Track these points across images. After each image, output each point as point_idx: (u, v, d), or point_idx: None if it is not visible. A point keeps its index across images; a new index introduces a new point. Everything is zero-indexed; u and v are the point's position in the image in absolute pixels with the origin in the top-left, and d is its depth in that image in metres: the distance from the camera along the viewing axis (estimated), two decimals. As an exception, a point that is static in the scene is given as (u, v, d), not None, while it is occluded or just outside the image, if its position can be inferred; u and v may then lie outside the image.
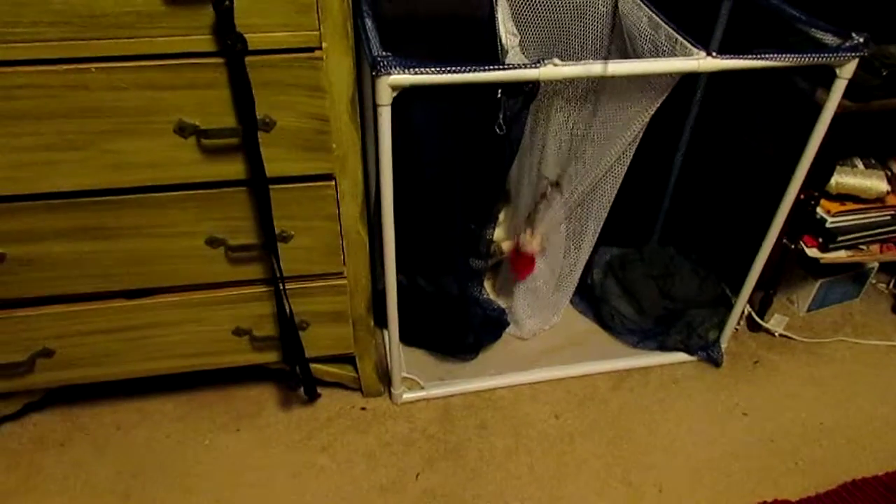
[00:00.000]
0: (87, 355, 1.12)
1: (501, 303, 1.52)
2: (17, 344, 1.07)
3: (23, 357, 1.08)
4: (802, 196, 1.33)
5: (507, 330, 1.45)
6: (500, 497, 1.18)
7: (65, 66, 0.83)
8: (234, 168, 0.95)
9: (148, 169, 0.93)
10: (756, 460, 1.25)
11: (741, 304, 1.38)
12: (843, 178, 1.34)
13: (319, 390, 1.29)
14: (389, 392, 1.33)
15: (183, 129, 0.90)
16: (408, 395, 1.33)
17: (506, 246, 1.34)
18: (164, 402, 1.30)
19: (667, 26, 1.10)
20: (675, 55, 1.07)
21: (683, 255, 1.56)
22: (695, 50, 1.05)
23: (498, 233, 1.39)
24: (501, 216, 1.35)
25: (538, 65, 0.98)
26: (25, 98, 0.83)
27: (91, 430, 1.25)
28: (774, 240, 1.27)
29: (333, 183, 1.02)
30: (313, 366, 1.26)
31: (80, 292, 1.05)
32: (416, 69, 0.93)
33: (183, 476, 1.18)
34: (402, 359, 1.38)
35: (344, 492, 1.18)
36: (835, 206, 1.35)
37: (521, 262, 1.28)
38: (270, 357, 1.20)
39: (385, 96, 0.95)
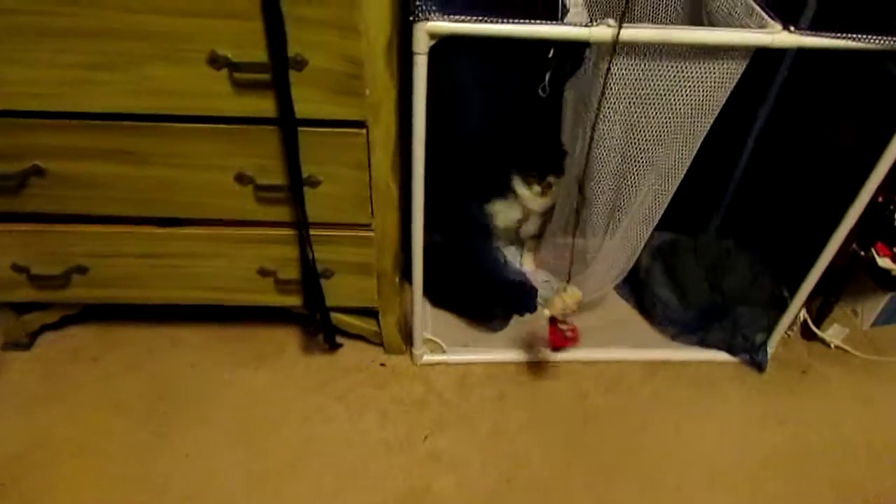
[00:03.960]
0: (119, 276, 1.15)
1: (542, 275, 1.47)
2: (54, 257, 1.11)
3: (59, 270, 1.12)
4: (881, 199, 1.21)
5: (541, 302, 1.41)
6: (507, 471, 1.15)
7: (107, -15, 0.83)
8: (264, 105, 0.94)
9: (182, 97, 0.93)
10: (787, 474, 1.17)
11: (795, 308, 1.27)
12: (932, 184, 1.21)
13: (342, 341, 1.30)
14: (410, 351, 1.32)
15: (215, 61, 0.89)
16: (428, 357, 1.31)
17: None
18: (194, 332, 1.34)
19: (744, -6, 1.01)
20: (750, 27, 0.98)
21: (742, 249, 1.46)
22: (771, 22, 0.95)
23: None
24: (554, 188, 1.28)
25: (589, 25, 0.92)
26: (67, 15, 0.84)
27: (123, 349, 1.30)
28: (841, 242, 1.16)
29: (365, 131, 0.99)
30: (337, 316, 1.26)
31: (114, 214, 1.07)
32: (456, 17, 0.88)
33: (200, 405, 1.22)
34: (429, 320, 1.36)
35: (351, 443, 1.18)
36: (918, 215, 1.22)
37: (556, 334, 1.13)
38: (294, 301, 1.21)
39: (422, 44, 0.91)
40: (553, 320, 1.14)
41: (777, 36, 0.93)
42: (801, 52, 1.26)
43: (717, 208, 1.51)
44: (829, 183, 1.24)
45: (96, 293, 1.18)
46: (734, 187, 1.48)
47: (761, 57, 0.99)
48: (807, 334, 1.40)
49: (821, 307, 1.37)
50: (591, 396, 1.28)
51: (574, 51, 1.04)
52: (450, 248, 1.28)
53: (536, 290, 1.41)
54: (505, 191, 1.25)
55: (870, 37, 0.93)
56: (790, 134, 1.36)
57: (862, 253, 1.26)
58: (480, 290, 1.32)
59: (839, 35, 0.93)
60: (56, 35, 0.86)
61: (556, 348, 1.17)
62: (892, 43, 0.93)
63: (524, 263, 1.49)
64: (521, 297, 1.38)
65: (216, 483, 1.11)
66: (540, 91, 1.01)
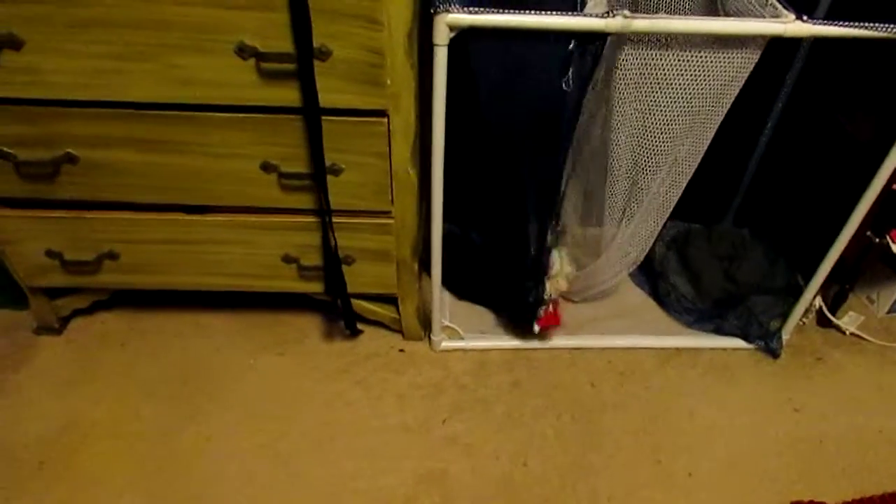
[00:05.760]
0: (148, 262, 1.19)
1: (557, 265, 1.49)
2: (86, 243, 1.16)
3: (91, 256, 1.16)
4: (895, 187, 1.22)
5: (556, 292, 1.42)
6: (522, 455, 1.17)
7: (136, -22, 0.87)
8: (289, 94, 0.97)
9: (210, 87, 0.96)
10: (799, 459, 1.18)
11: (810, 295, 1.28)
12: (947, 173, 1.21)
13: (362, 327, 1.33)
14: (429, 338, 1.35)
15: (243, 51, 0.92)
16: (446, 344, 1.34)
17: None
18: (218, 318, 1.37)
19: (759, -15, 1.02)
20: (764, 17, 1.00)
21: (757, 238, 1.47)
22: (784, 12, 0.97)
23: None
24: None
25: (606, 15, 0.94)
26: (99, 6, 0.88)
27: (150, 334, 1.34)
28: (854, 230, 1.17)
29: (386, 120, 1.02)
30: (357, 302, 1.29)
31: (144, 202, 1.11)
32: (475, 9, 0.91)
33: (224, 389, 1.25)
34: (447, 308, 1.39)
35: (370, 426, 1.21)
36: (933, 203, 1.22)
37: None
38: (316, 287, 1.24)
39: (442, 36, 0.93)
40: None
41: (790, 25, 0.95)
42: (816, 42, 1.28)
43: (733, 198, 1.53)
44: (843, 172, 1.25)
45: (126, 278, 1.22)
46: (750, 177, 1.49)
47: (777, 48, 1.00)
48: (822, 322, 1.41)
49: (836, 295, 1.38)
50: (607, 383, 1.30)
51: (595, 43, 1.05)
52: (471, 241, 1.30)
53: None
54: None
55: (881, 25, 0.95)
56: (806, 124, 1.37)
57: (877, 240, 1.27)
58: (513, 288, 1.34)
59: (851, 24, 0.95)
60: (87, 26, 0.90)
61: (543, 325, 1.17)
62: (898, 32, 0.95)
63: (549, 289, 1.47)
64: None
65: (239, 464, 1.14)
66: (563, 84, 1.02)
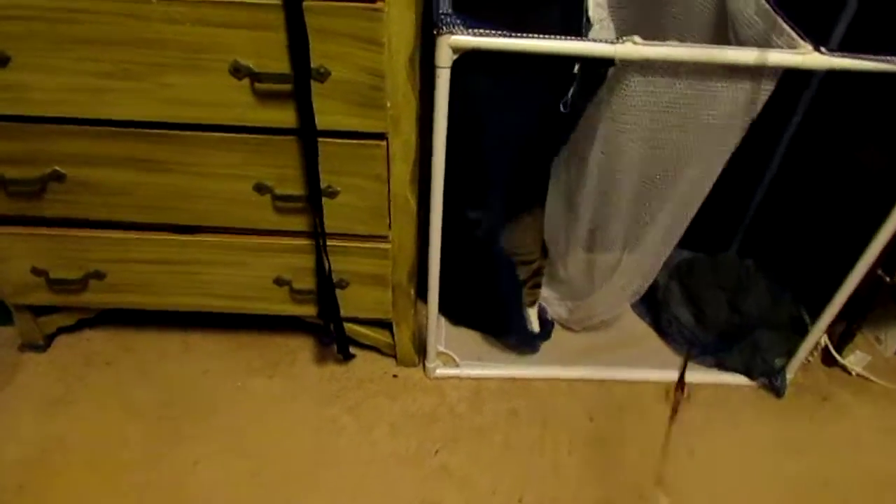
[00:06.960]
0: (136, 282, 1.15)
1: (552, 291, 1.45)
2: (72, 261, 1.12)
3: (77, 275, 1.13)
4: (909, 224, 1.18)
5: (556, 318, 1.39)
6: (518, 490, 1.13)
7: (128, -6, 0.83)
8: (285, 115, 0.94)
9: (202, 107, 0.93)
10: (803, 502, 1.14)
11: (817, 334, 1.25)
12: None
13: (355, 352, 1.29)
14: (424, 364, 1.31)
15: (238, 70, 0.89)
16: (441, 371, 1.30)
17: None
18: (207, 338, 1.33)
19: (774, 13, 0.99)
20: (779, 47, 0.96)
21: (763, 270, 1.43)
22: (801, 43, 0.94)
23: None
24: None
25: (615, 42, 0.91)
26: (88, 23, 0.85)
27: (137, 354, 1.30)
28: (867, 268, 1.14)
29: (385, 143, 0.99)
30: (350, 326, 1.25)
31: (132, 221, 1.07)
32: (480, 31, 0.88)
33: (212, 412, 1.21)
34: (443, 334, 1.35)
35: (361, 455, 1.17)
36: (946, 241, 1.19)
37: None
38: (309, 310, 1.20)
39: (445, 58, 0.90)
40: None
41: (808, 57, 0.92)
42: (830, 72, 1.25)
43: (738, 228, 1.49)
44: (855, 206, 1.21)
45: (113, 298, 1.18)
46: (756, 207, 1.46)
47: (789, 75, 0.97)
48: (827, 360, 1.37)
49: (843, 333, 1.34)
50: (605, 416, 1.26)
51: (599, 67, 1.02)
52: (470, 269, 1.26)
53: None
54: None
55: (903, 60, 0.91)
56: (816, 154, 1.34)
57: (887, 279, 1.23)
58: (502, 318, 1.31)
59: (871, 57, 0.92)
60: (76, 43, 0.87)
61: None
62: (921, 67, 0.92)
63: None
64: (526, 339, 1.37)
65: (226, 491, 1.10)
66: (561, 106, 0.99)
